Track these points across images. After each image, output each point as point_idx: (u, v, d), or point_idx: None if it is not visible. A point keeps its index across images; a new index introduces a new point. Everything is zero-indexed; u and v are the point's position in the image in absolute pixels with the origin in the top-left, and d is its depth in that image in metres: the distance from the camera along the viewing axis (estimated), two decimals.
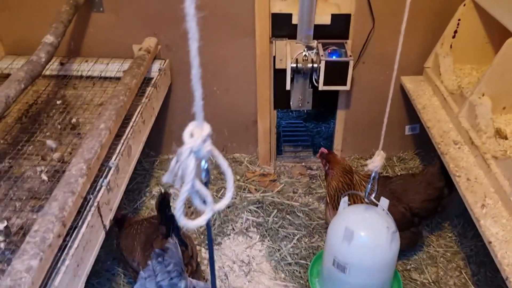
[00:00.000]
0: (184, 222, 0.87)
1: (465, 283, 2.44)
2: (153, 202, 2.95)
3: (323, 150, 2.46)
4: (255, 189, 3.01)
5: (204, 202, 0.90)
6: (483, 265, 2.52)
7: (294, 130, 3.83)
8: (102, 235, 1.84)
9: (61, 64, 2.80)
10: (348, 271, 1.88)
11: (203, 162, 0.88)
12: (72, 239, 1.62)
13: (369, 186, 1.81)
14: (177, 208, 0.85)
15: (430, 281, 2.46)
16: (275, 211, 2.83)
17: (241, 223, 2.77)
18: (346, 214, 1.96)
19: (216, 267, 2.50)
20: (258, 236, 2.69)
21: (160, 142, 3.31)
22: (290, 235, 2.68)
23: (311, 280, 2.23)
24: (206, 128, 0.83)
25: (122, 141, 2.11)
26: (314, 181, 3.14)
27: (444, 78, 2.62)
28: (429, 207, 2.45)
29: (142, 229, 2.23)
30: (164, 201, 1.99)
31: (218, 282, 2.41)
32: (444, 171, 2.39)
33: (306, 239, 2.65)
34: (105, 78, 2.76)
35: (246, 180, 3.12)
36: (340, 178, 2.35)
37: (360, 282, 1.92)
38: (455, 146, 2.26)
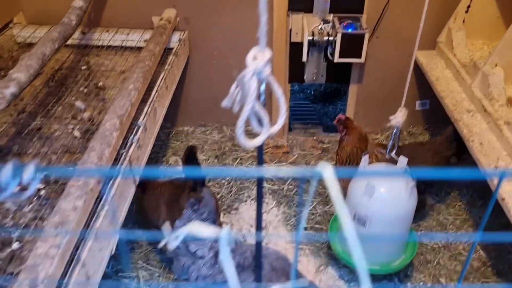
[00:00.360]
0: (243, 142, 0.95)
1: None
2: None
3: (341, 116, 2.53)
4: (270, 160, 3.09)
5: (260, 123, 0.98)
6: (491, 231, 2.61)
7: (302, 110, 3.90)
8: (132, 189, 1.92)
9: (83, 33, 2.86)
10: (368, 225, 1.98)
11: (262, 86, 0.97)
12: (108, 188, 1.70)
13: (391, 142, 1.89)
14: (238, 127, 0.94)
15: (440, 246, 2.55)
16: (290, 179, 2.92)
17: None
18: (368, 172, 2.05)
19: (234, 230, 2.60)
20: (274, 202, 2.78)
21: (175, 114, 3.38)
22: (305, 202, 2.77)
23: (332, 236, 2.32)
24: (268, 53, 0.91)
25: (148, 103, 2.18)
26: (326, 153, 3.23)
27: (456, 52, 2.69)
28: None
29: (166, 190, 2.32)
30: (191, 154, 2.07)
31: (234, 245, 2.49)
32: (453, 140, 2.48)
33: (321, 206, 2.74)
34: (126, 48, 2.83)
35: None
36: (356, 144, 2.43)
37: (379, 234, 2.01)
38: (468, 114, 2.35)
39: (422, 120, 3.38)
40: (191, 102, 3.31)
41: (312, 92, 4.17)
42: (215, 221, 1.76)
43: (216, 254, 1.79)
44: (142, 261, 2.49)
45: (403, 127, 3.36)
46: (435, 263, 2.47)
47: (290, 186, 2.87)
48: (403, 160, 1.95)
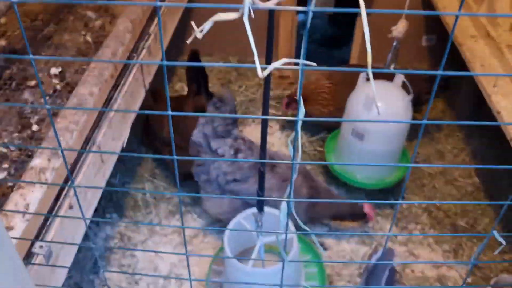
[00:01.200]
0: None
1: (469, 174, 2.64)
2: None
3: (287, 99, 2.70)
4: (275, 88, 3.15)
5: None
6: (487, 160, 2.70)
7: (309, 53, 3.91)
8: (142, 93, 1.99)
9: None
10: (365, 138, 2.06)
11: None
12: (121, 85, 1.77)
13: (390, 55, 1.95)
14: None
15: (437, 171, 2.65)
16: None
17: (261, 115, 2.93)
18: (366, 87, 2.11)
19: None
20: (278, 126, 2.86)
21: (182, 43, 3.41)
22: (309, 125, 2.84)
23: (327, 156, 2.41)
24: None
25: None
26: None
27: None
28: None
29: (172, 104, 2.39)
30: (194, 57, 2.12)
31: None
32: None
33: (325, 131, 2.81)
34: None
35: None
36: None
37: (375, 148, 2.10)
38: (471, 39, 2.39)
39: (428, 56, 3.41)
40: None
41: (319, 37, 4.15)
42: (236, 120, 1.84)
43: (236, 152, 1.89)
44: (148, 175, 2.60)
45: (409, 62, 3.40)
46: (430, 186, 2.58)
47: (294, 112, 2.94)
48: (400, 76, 2.01)
